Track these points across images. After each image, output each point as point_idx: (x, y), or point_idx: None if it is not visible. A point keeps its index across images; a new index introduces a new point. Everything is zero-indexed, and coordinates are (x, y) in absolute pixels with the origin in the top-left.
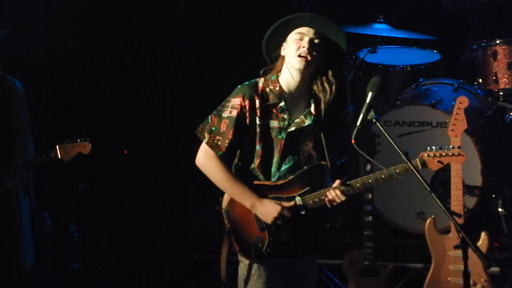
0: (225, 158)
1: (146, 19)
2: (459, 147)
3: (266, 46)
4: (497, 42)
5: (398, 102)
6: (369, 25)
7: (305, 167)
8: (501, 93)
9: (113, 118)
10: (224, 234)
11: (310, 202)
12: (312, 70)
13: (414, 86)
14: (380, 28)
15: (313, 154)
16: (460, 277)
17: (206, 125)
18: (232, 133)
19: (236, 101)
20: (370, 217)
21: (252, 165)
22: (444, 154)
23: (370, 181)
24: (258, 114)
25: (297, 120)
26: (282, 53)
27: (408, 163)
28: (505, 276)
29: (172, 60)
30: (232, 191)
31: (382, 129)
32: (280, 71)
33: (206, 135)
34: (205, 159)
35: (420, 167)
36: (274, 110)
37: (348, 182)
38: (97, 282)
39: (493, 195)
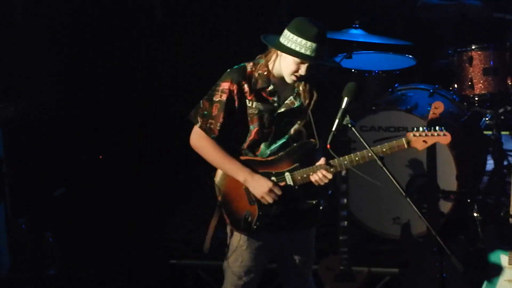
0: (219, 139)
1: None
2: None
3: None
4: (473, 47)
5: (374, 108)
6: (344, 30)
7: (295, 144)
8: (476, 99)
9: (89, 123)
10: (200, 240)
11: (299, 178)
12: None
13: (389, 91)
14: (356, 34)
15: (303, 132)
16: None
17: (198, 110)
18: (223, 116)
19: (225, 85)
20: (345, 222)
21: (244, 145)
22: (429, 134)
23: (357, 158)
24: (248, 97)
25: (286, 101)
26: (279, 52)
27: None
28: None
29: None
30: (226, 167)
31: (357, 134)
32: (270, 59)
33: (199, 119)
34: (198, 140)
35: (405, 146)
36: (263, 94)
37: (336, 159)
38: None
39: (469, 200)
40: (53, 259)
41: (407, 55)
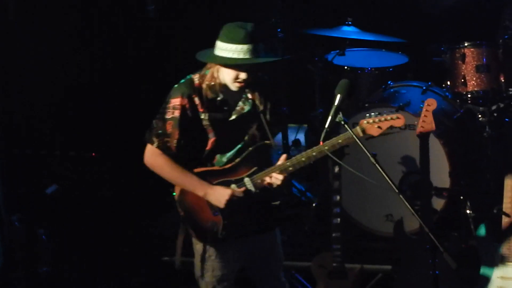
0: (177, 156)
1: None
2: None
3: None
4: (466, 44)
5: (367, 105)
6: (337, 27)
7: (250, 148)
8: (469, 96)
9: (82, 121)
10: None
11: (259, 181)
12: None
13: (382, 88)
14: (349, 31)
15: (256, 135)
16: None
17: (152, 130)
18: (178, 133)
19: (176, 101)
20: (338, 219)
21: (201, 156)
22: (383, 119)
23: (314, 153)
24: (200, 109)
25: (237, 108)
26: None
27: (351, 132)
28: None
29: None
30: (184, 183)
31: (350, 131)
32: (214, 69)
33: (155, 139)
34: (152, 158)
35: (361, 134)
36: (214, 104)
37: (293, 158)
38: (65, 285)
39: (461, 197)
40: (46, 257)
41: (400, 52)
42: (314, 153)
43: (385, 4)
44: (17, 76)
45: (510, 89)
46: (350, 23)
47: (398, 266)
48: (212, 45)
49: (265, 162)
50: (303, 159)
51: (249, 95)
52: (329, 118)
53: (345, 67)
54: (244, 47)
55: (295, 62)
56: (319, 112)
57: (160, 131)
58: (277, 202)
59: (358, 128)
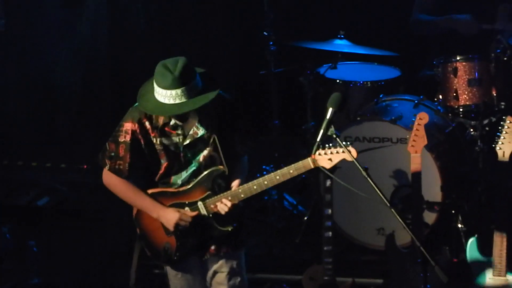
0: (130, 178)
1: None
2: (350, 144)
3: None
4: (458, 58)
5: (358, 118)
6: (329, 41)
7: (204, 173)
8: (461, 110)
9: (73, 133)
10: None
11: (212, 206)
12: None
13: (374, 102)
14: (341, 44)
15: (214, 156)
16: None
17: (105, 153)
18: (130, 156)
19: (127, 126)
20: (330, 233)
21: (156, 177)
22: (335, 152)
23: (265, 182)
24: (152, 134)
25: (190, 132)
26: None
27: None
28: None
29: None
30: (138, 204)
31: (342, 144)
32: None
33: (107, 161)
34: (109, 179)
35: (312, 166)
36: (166, 129)
37: (244, 185)
38: None
39: (453, 211)
40: (36, 268)
41: (392, 66)
42: (265, 182)
43: (378, 17)
44: (15, 84)
45: (502, 103)
46: (342, 36)
47: (389, 280)
48: (204, 58)
49: (219, 187)
50: (254, 187)
51: (203, 118)
52: (321, 131)
53: (337, 80)
54: (173, 92)
55: (287, 75)
56: (310, 125)
57: (112, 153)
58: (230, 228)
59: (309, 160)
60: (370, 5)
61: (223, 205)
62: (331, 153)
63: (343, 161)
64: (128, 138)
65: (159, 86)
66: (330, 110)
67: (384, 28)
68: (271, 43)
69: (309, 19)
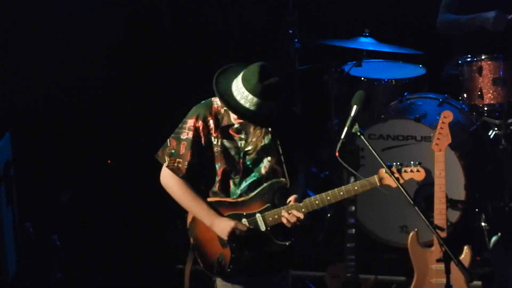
0: (188, 178)
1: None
2: (419, 163)
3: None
4: (483, 57)
5: (383, 116)
6: (354, 38)
7: (265, 184)
8: (485, 109)
9: (97, 128)
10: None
11: (270, 219)
12: None
13: (398, 100)
14: (366, 42)
15: (277, 169)
16: None
17: (165, 149)
18: (191, 155)
19: (191, 122)
20: (353, 230)
21: (215, 185)
22: (402, 171)
23: (328, 198)
24: (214, 134)
25: (254, 139)
26: None
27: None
28: None
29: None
30: (193, 209)
31: (366, 142)
32: None
33: (167, 158)
34: (167, 179)
35: (378, 184)
36: (230, 131)
37: (306, 199)
38: None
39: (476, 210)
40: (59, 263)
41: (417, 64)
42: (328, 197)
43: (403, 15)
44: (30, 79)
45: None
46: (367, 34)
47: (411, 278)
48: (230, 58)
49: (279, 200)
50: (316, 201)
51: (270, 128)
52: (345, 129)
53: (362, 78)
54: (254, 99)
55: (311, 73)
56: (334, 123)
57: (173, 151)
58: (287, 243)
59: (375, 177)
60: (396, 3)
61: (293, 215)
62: (399, 172)
63: (366, 159)
64: (190, 135)
65: (246, 85)
66: (355, 107)
67: (409, 26)
68: (295, 40)
69: (334, 17)
